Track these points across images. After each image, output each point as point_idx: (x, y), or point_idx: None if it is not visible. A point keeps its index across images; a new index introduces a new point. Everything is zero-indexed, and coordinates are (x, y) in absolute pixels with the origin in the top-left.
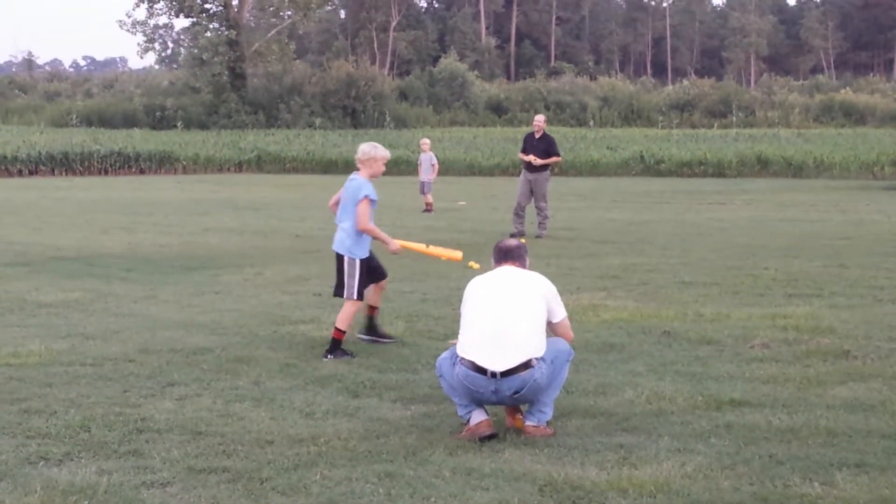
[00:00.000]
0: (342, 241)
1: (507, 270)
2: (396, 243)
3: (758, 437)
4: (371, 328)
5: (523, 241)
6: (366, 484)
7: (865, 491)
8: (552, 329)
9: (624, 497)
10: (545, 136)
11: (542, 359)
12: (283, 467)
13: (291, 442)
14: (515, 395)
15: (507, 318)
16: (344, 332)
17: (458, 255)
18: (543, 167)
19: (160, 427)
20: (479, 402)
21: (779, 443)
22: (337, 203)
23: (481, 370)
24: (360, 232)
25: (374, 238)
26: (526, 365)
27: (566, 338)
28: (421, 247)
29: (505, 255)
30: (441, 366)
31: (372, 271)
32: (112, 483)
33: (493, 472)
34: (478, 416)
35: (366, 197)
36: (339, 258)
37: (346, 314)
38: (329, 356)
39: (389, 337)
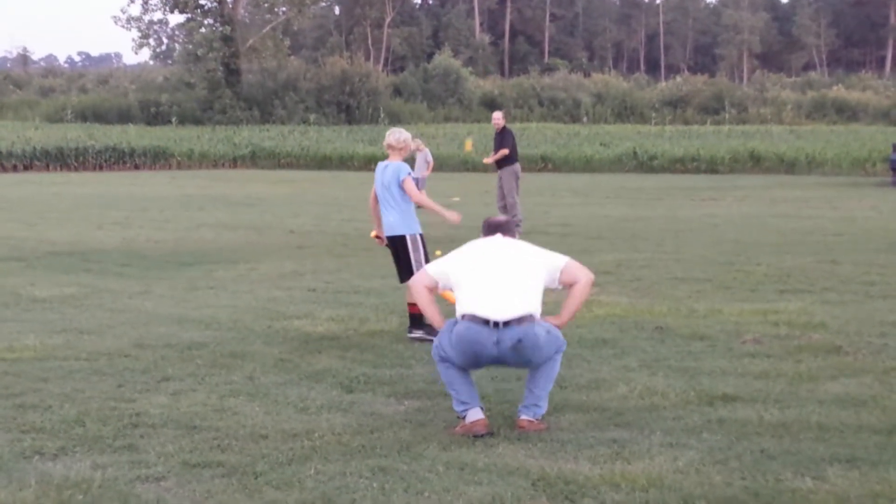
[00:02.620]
0: (393, 225)
1: (500, 238)
2: (455, 214)
3: (750, 431)
4: (417, 321)
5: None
6: (360, 478)
7: (856, 486)
8: (564, 279)
9: (616, 491)
10: (503, 131)
11: (540, 323)
12: (278, 462)
13: (285, 437)
14: (518, 345)
15: (506, 274)
16: None
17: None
18: (507, 163)
19: (155, 422)
20: (478, 363)
21: (770, 438)
22: (377, 200)
23: (483, 321)
24: (408, 209)
25: (430, 210)
26: (526, 318)
27: (582, 279)
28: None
29: (495, 229)
30: (440, 343)
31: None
32: (106, 477)
33: (486, 466)
34: (474, 415)
35: (408, 174)
36: (398, 241)
37: None
38: (414, 331)
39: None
